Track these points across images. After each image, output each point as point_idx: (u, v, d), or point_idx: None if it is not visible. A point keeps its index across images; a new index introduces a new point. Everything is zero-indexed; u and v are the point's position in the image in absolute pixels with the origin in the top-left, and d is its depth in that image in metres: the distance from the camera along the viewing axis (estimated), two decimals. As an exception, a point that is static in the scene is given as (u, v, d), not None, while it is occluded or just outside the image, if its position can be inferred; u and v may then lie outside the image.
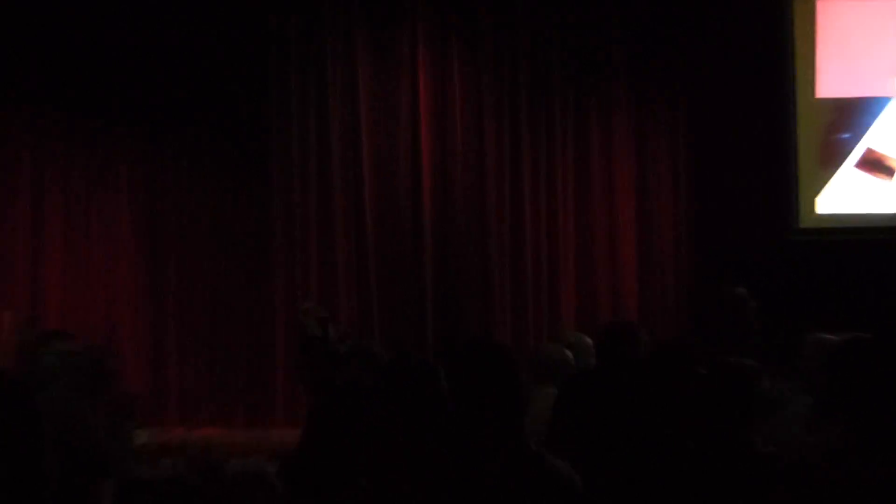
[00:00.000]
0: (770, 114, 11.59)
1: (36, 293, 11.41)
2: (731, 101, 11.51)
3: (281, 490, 4.97)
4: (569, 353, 6.86)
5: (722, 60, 11.60)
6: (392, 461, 3.94)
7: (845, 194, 11.57)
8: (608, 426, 5.31)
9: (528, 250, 11.76)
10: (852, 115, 11.55)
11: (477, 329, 11.40)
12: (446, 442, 3.63)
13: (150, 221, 11.63)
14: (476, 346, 3.62)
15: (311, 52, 11.64)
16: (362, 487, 4.08)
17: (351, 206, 11.64)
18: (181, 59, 11.44)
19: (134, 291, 11.55)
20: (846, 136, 11.57)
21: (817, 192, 11.59)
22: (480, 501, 3.44)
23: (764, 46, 11.58)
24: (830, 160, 11.57)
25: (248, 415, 11.42)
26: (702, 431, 4.35)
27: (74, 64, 11.42)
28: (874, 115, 11.53)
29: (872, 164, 11.56)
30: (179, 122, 11.53)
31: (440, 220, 11.70)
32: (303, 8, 11.64)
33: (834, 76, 11.59)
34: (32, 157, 11.51)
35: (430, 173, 11.68)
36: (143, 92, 11.44)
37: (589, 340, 7.22)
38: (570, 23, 11.79)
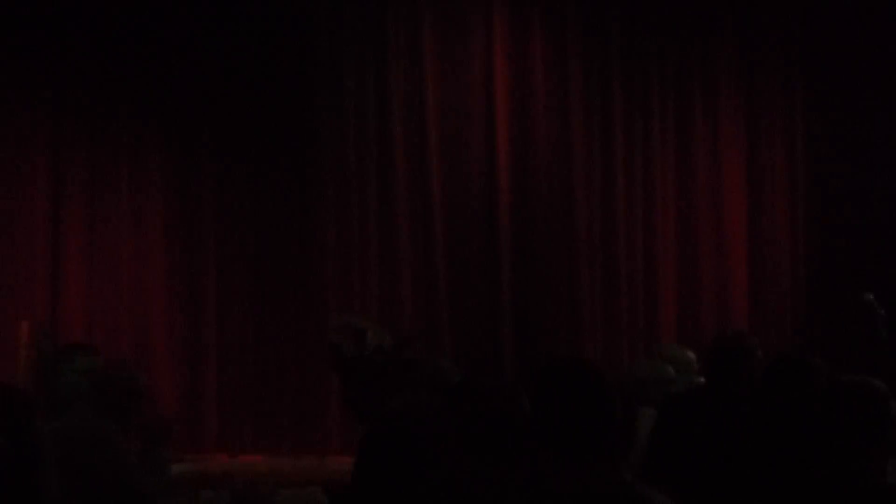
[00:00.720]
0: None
1: (56, 300, 11.44)
2: (858, 73, 11.41)
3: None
4: (669, 369, 6.85)
5: (846, 26, 11.49)
6: (459, 499, 3.93)
7: None
8: (714, 453, 5.30)
9: (622, 251, 11.75)
10: None
11: (562, 343, 11.39)
12: (524, 477, 3.63)
13: (185, 221, 11.66)
14: (562, 367, 3.62)
15: (368, 16, 11.63)
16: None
17: (416, 202, 11.66)
18: (213, 30, 11.46)
19: (167, 299, 11.58)
20: None
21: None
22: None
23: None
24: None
25: (299, 440, 11.43)
26: (823, 461, 4.32)
27: (93, 52, 11.44)
28: None
29: None
30: (216, 107, 11.53)
31: (519, 216, 11.70)
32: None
33: None
34: (50, 149, 11.49)
35: (507, 162, 11.67)
36: (171, 72, 11.47)
37: (692, 355, 7.23)
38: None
